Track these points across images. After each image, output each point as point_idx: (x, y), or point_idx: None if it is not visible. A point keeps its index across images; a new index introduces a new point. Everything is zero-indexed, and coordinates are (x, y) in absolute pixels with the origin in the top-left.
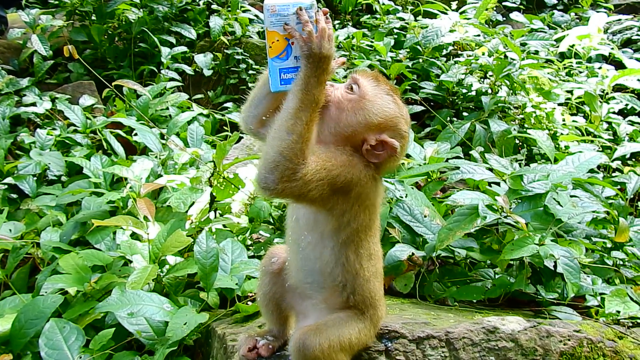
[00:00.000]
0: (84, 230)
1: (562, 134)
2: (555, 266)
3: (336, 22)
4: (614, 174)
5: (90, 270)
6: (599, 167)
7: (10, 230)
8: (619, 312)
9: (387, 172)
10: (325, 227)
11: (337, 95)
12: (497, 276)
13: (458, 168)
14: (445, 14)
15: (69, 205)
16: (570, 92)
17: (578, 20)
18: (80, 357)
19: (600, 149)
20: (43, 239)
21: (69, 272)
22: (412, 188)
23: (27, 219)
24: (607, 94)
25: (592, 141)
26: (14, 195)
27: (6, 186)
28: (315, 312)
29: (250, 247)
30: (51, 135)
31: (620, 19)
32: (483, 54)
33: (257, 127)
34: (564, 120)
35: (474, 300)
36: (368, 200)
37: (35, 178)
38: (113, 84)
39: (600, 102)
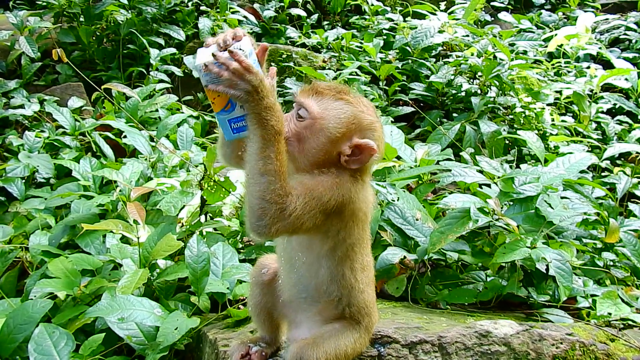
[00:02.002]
0: (74, 234)
1: (551, 134)
2: (547, 269)
3: (325, 22)
4: (603, 174)
5: (79, 275)
6: (588, 167)
7: None
8: (610, 314)
9: (373, 169)
10: (322, 248)
11: (293, 127)
12: (489, 279)
13: (449, 170)
14: (434, 14)
15: (57, 209)
16: (560, 92)
17: (566, 20)
18: None
19: (590, 149)
20: (32, 242)
21: (58, 276)
22: (404, 191)
23: (16, 222)
24: (595, 93)
25: (581, 141)
26: (2, 198)
27: None
28: (309, 322)
29: (242, 250)
30: (40, 137)
31: (607, 18)
32: (472, 55)
33: (237, 161)
34: (553, 120)
35: (466, 303)
36: (361, 212)
37: (23, 181)
38: (102, 87)
39: (589, 101)
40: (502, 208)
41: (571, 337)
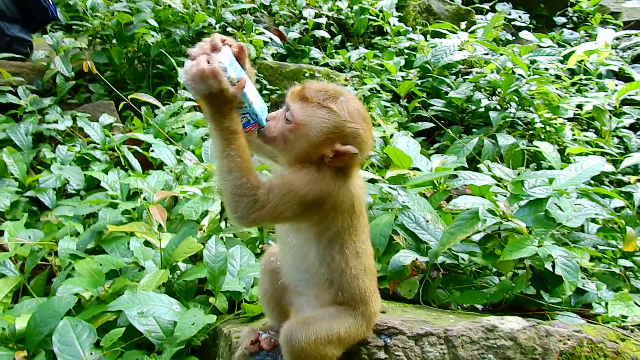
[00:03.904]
0: (100, 240)
1: (568, 148)
2: (553, 266)
3: (349, 44)
4: (623, 187)
5: (104, 276)
6: (611, 182)
7: (29, 237)
8: (623, 315)
9: (358, 167)
10: (308, 233)
11: (279, 128)
12: (498, 283)
13: (456, 176)
14: (455, 33)
15: (86, 218)
16: (580, 107)
17: (587, 38)
18: (92, 354)
19: (611, 163)
20: (60, 247)
21: (84, 275)
22: (415, 194)
23: (46, 229)
24: (616, 108)
25: (602, 154)
26: (35, 208)
27: (27, 199)
28: (309, 308)
29: (259, 256)
30: (71, 151)
31: (629, 35)
32: (492, 71)
33: (256, 150)
34: (574, 134)
35: (478, 307)
36: (343, 205)
37: (55, 191)
38: (129, 97)
39: (610, 116)
40: (512, 211)
41: (579, 334)
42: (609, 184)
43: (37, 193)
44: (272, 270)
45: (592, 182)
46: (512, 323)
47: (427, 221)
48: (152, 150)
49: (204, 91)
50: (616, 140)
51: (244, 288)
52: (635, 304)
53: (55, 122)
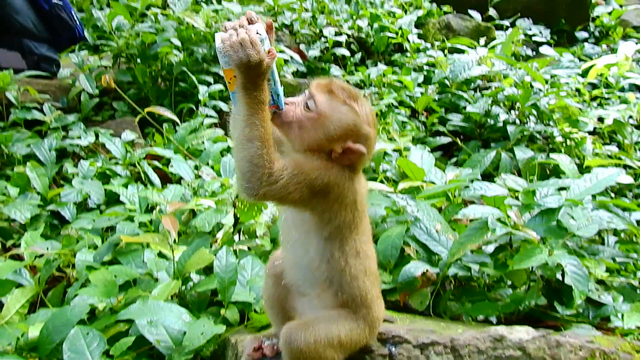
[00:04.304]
0: (117, 252)
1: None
2: (562, 276)
3: (369, 61)
4: None
5: (117, 286)
6: (636, 196)
7: (47, 248)
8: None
9: (362, 168)
10: (310, 225)
11: (298, 114)
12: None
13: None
14: (474, 49)
15: (105, 231)
16: (602, 120)
17: (609, 52)
18: None
19: (634, 177)
20: (78, 259)
21: (98, 285)
22: (425, 205)
23: (65, 241)
24: (638, 120)
25: (624, 167)
26: (55, 221)
27: (49, 212)
28: (311, 309)
29: None
30: (93, 166)
31: None
32: (510, 86)
33: None
34: (595, 148)
35: (492, 319)
36: (347, 199)
37: (76, 205)
38: (146, 110)
39: (632, 129)
40: (523, 220)
41: (591, 345)
42: (634, 197)
43: (58, 207)
44: (276, 275)
45: (612, 195)
46: (521, 333)
47: (437, 231)
48: (172, 166)
49: (243, 59)
50: (639, 153)
51: (254, 299)
52: None
53: (79, 138)
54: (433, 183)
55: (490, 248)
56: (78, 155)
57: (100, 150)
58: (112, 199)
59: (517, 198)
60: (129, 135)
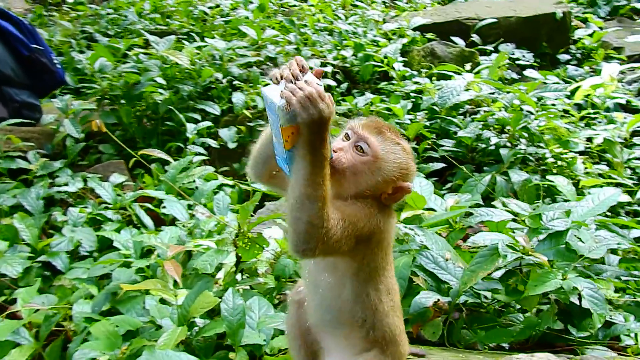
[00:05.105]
0: (115, 301)
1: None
2: (580, 299)
3: (355, 90)
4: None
5: (120, 337)
6: (627, 213)
7: (43, 302)
8: None
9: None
10: (347, 270)
11: (349, 159)
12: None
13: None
14: (460, 74)
15: (100, 279)
16: (590, 140)
17: (592, 73)
18: None
19: (626, 193)
20: (75, 310)
21: (100, 338)
22: (433, 234)
23: (60, 293)
24: (627, 139)
25: (616, 185)
26: (47, 273)
27: (40, 264)
28: (338, 349)
29: (278, 306)
30: (83, 213)
31: (633, 68)
32: (499, 110)
33: (268, 179)
34: (586, 168)
35: (505, 345)
36: (385, 242)
37: (68, 254)
38: (139, 153)
39: (621, 148)
40: (532, 245)
41: None
42: (625, 214)
43: (49, 257)
44: (300, 301)
45: (608, 213)
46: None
47: (447, 260)
48: (164, 207)
49: (314, 116)
50: (629, 171)
51: (264, 340)
52: None
53: (66, 184)
54: (433, 210)
55: (499, 273)
56: (66, 202)
57: (89, 196)
58: (105, 245)
59: (522, 222)
60: (117, 178)
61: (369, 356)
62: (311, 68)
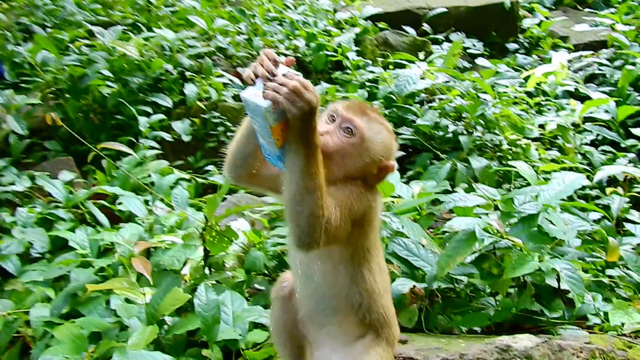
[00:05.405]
0: (75, 303)
1: (539, 167)
2: (558, 281)
3: (309, 81)
4: (595, 201)
5: (87, 340)
6: (579, 196)
7: None
8: (623, 323)
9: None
10: (341, 255)
11: (337, 142)
12: (499, 302)
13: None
14: (414, 63)
15: (56, 281)
16: (543, 126)
17: (541, 62)
18: None
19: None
20: (32, 315)
21: (65, 342)
22: (408, 220)
23: (14, 297)
24: (578, 125)
25: (571, 168)
26: None
27: None
28: (330, 339)
29: (249, 299)
30: (32, 212)
31: (581, 56)
32: (455, 97)
33: (248, 179)
34: (539, 154)
35: (479, 329)
36: (376, 220)
37: (19, 257)
38: (98, 147)
39: (573, 133)
40: (505, 229)
41: (590, 346)
42: (578, 198)
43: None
44: (284, 297)
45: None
46: (524, 341)
47: (423, 246)
48: (120, 203)
49: (304, 108)
50: (579, 156)
51: (240, 335)
52: None
53: (12, 183)
54: (400, 197)
55: (471, 257)
56: (12, 203)
57: (37, 195)
58: (58, 245)
59: (487, 207)
60: (67, 175)
61: (364, 342)
62: (282, 54)
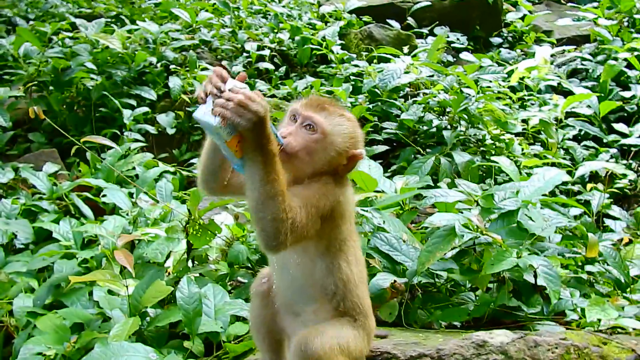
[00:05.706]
0: (58, 294)
1: (522, 162)
2: (535, 277)
3: (293, 74)
4: (577, 196)
5: (69, 330)
6: (561, 191)
7: None
8: (599, 320)
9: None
10: (317, 249)
11: (300, 141)
12: (479, 297)
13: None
14: (398, 57)
15: (40, 272)
16: (526, 121)
17: (524, 56)
18: None
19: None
20: (16, 305)
21: (47, 332)
22: (389, 215)
23: None
24: (560, 120)
25: (553, 164)
26: None
27: None
28: (304, 328)
29: (231, 292)
30: (16, 204)
31: (564, 51)
32: (439, 92)
33: (222, 190)
34: (522, 149)
35: (459, 324)
36: (348, 212)
37: (2, 248)
38: (82, 140)
39: (556, 128)
40: (485, 224)
41: (565, 342)
42: (559, 193)
43: None
44: (263, 293)
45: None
46: (501, 337)
47: (404, 241)
48: (104, 195)
49: (253, 119)
50: (562, 152)
51: (221, 327)
52: None
53: None
54: (383, 192)
55: (450, 253)
56: None
57: (20, 186)
58: (42, 237)
59: (468, 202)
60: (51, 167)
61: (342, 320)
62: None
